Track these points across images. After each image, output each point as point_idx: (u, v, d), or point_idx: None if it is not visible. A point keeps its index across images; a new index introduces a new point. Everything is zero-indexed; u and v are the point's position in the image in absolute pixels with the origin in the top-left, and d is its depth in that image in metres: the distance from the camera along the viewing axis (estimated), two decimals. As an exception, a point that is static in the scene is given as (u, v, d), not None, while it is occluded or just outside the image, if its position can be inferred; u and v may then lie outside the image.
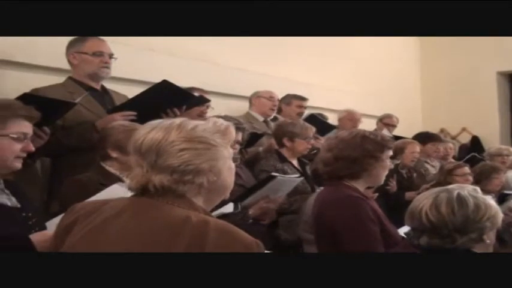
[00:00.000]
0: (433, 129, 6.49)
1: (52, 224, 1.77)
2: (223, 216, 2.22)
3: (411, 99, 7.45)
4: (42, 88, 2.69)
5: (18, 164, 1.84)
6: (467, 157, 5.23)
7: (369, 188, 2.60)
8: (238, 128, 2.66)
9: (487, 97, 7.21)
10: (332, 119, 5.13)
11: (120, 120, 2.52)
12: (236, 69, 4.52)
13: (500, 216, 1.84)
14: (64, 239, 1.33)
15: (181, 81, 3.07)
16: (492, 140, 6.94)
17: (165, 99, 2.70)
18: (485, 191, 2.20)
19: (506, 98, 7.46)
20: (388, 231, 2.18)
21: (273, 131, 3.72)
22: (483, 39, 6.13)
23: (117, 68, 2.95)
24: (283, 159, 3.46)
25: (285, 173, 3.22)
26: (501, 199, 3.75)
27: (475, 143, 7.13)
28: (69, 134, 2.64)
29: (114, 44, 2.94)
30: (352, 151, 2.22)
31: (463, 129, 7.35)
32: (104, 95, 2.91)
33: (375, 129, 4.98)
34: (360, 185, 2.27)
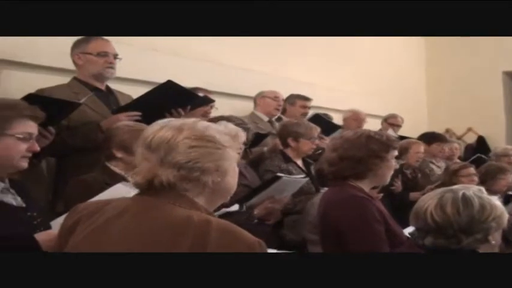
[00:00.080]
0: (439, 129, 6.46)
1: (57, 224, 1.77)
2: (228, 215, 2.22)
3: (416, 99, 7.43)
4: (47, 88, 2.70)
5: (24, 164, 1.85)
6: (472, 158, 5.21)
7: (373, 188, 2.60)
8: (243, 128, 2.65)
9: (493, 97, 7.18)
10: (336, 119, 5.12)
11: (125, 121, 2.52)
12: (240, 69, 4.52)
13: (506, 216, 1.83)
14: (67, 239, 1.34)
15: (186, 81, 3.07)
16: (498, 140, 6.91)
17: (170, 99, 2.70)
18: (491, 192, 2.20)
19: (513, 98, 7.44)
20: (393, 231, 2.17)
21: (278, 131, 3.72)
22: (489, 39, 6.10)
23: (121, 68, 2.95)
24: (287, 160, 3.46)
25: (289, 173, 3.22)
26: (507, 200, 3.74)
27: (481, 143, 7.10)
28: (74, 134, 2.64)
29: (119, 44, 2.95)
30: (357, 151, 2.22)
31: (469, 129, 7.32)
32: (108, 95, 2.91)
33: (380, 129, 4.97)
34: (365, 185, 2.26)
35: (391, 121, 5.66)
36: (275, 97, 4.33)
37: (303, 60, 5.25)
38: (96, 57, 2.81)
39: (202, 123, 1.35)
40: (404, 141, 4.58)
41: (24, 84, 2.76)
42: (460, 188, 1.84)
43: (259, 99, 4.34)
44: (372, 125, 4.91)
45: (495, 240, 1.79)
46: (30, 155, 1.86)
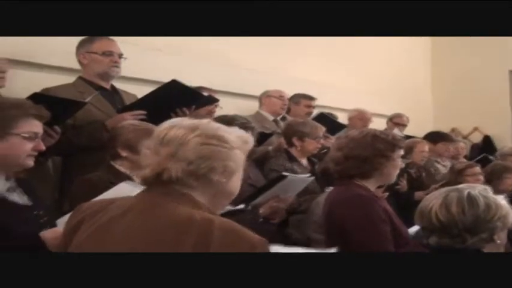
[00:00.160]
0: (445, 128, 6.43)
1: (62, 222, 1.77)
2: (234, 214, 2.22)
3: (422, 99, 7.40)
4: (53, 88, 2.72)
5: (31, 162, 1.86)
6: (478, 157, 5.19)
7: (379, 187, 2.59)
8: (247, 127, 2.65)
9: (499, 96, 7.14)
10: (341, 119, 5.11)
11: (130, 120, 2.53)
12: (245, 69, 4.52)
13: (512, 216, 1.82)
14: (72, 238, 1.35)
15: (190, 80, 3.07)
16: (504, 140, 6.87)
17: (175, 98, 2.71)
18: (497, 191, 2.18)
19: (519, 97, 7.40)
20: (398, 230, 2.16)
21: (283, 130, 3.71)
22: (495, 38, 6.05)
23: (126, 68, 2.97)
24: (292, 159, 3.45)
25: (294, 172, 3.21)
26: (513, 199, 3.71)
27: (487, 143, 7.06)
28: (80, 133, 2.65)
29: (124, 44, 2.96)
30: (362, 150, 2.21)
31: (475, 129, 7.29)
32: (113, 94, 2.92)
33: (385, 129, 4.96)
34: (370, 184, 2.26)
35: (396, 120, 5.64)
36: (280, 96, 4.32)
37: (307, 59, 5.24)
38: (101, 57, 2.82)
39: (216, 124, 1.38)
40: (409, 140, 4.56)
41: (29, 84, 2.77)
42: (465, 187, 1.83)
43: (264, 98, 4.34)
44: (377, 125, 4.90)
45: (500, 239, 1.79)
46: (36, 153, 1.87)
